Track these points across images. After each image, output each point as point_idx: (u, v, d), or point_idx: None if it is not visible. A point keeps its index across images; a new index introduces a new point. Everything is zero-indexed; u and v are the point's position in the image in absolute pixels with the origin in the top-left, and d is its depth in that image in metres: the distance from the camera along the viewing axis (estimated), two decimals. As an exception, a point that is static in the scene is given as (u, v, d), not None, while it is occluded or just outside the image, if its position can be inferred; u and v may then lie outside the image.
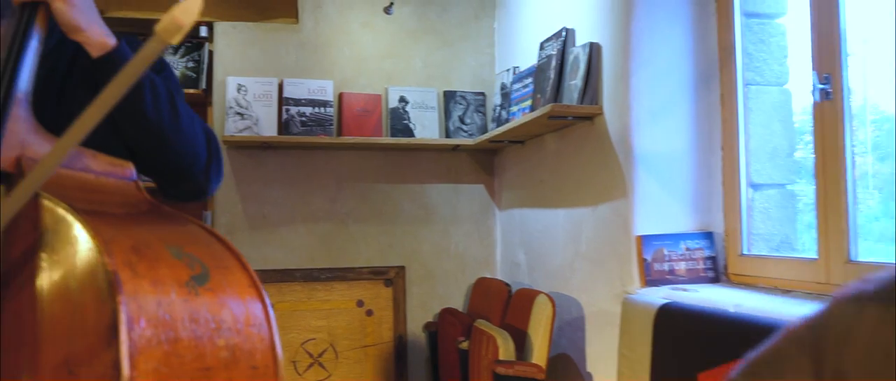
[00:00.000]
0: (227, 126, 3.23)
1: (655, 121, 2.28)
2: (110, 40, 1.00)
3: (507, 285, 3.09)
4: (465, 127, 3.56)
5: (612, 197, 2.41)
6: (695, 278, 2.23)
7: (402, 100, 3.49)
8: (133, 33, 1.25)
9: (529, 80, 3.05)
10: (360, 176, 3.49)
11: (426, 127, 3.50)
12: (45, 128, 0.93)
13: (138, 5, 3.26)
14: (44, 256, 0.73)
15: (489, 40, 3.66)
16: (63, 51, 1.16)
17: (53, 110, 1.04)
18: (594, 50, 2.50)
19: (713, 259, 2.24)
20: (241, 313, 0.79)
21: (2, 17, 1.09)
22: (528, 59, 3.20)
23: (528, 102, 3.03)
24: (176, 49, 3.54)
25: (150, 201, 0.90)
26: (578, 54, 2.57)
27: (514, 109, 3.20)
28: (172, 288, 0.74)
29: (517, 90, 3.18)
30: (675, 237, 2.25)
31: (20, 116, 0.86)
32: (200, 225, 0.87)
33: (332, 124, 3.37)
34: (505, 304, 3.00)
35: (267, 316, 0.82)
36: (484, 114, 3.59)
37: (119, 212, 0.85)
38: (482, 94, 3.61)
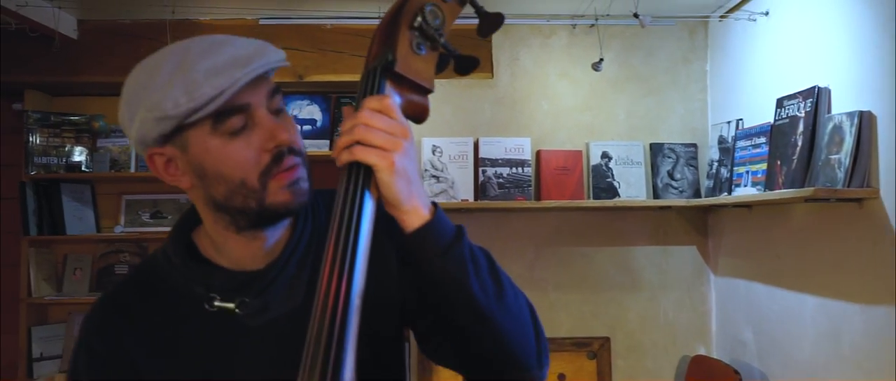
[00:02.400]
0: (423, 190, 3.11)
1: (962, 216, 1.85)
2: (426, 210, 0.82)
3: (736, 372, 2.72)
4: (674, 183, 3.21)
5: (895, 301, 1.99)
6: None
7: (605, 156, 3.21)
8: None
9: (762, 139, 2.66)
10: (559, 239, 3.25)
11: (632, 184, 3.19)
12: None
13: (331, 70, 3.23)
14: None
15: (701, 85, 3.28)
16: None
17: None
18: (865, 120, 2.09)
19: None
20: None
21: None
22: (755, 112, 2.81)
23: (762, 166, 2.65)
24: (367, 106, 3.48)
25: None
26: (842, 123, 2.17)
27: (741, 169, 2.82)
28: None
29: (744, 148, 2.80)
30: None
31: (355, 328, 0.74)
32: None
33: (530, 185, 3.16)
34: (735, 396, 2.64)
35: None
36: (696, 168, 3.22)
37: None
38: (693, 145, 3.24)
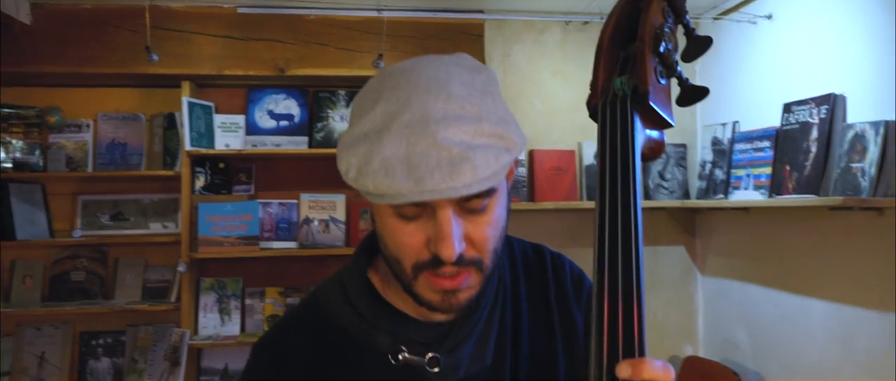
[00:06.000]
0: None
1: None
2: None
3: (735, 373, 2.74)
4: (665, 183, 3.20)
5: (920, 309, 2.02)
6: None
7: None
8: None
9: (766, 143, 2.67)
10: (553, 241, 3.15)
11: (624, 185, 3.16)
12: None
13: (314, 63, 3.04)
14: None
15: (690, 85, 3.27)
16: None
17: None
18: (891, 131, 2.11)
19: None
20: None
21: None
22: (754, 116, 2.82)
23: (766, 170, 2.65)
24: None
25: None
26: (865, 132, 2.18)
27: (740, 172, 2.82)
28: None
29: (744, 151, 2.81)
30: None
31: None
32: None
33: (524, 187, 3.07)
34: (738, 399, 2.65)
35: None
36: (685, 168, 3.23)
37: None
38: (683, 145, 3.24)
